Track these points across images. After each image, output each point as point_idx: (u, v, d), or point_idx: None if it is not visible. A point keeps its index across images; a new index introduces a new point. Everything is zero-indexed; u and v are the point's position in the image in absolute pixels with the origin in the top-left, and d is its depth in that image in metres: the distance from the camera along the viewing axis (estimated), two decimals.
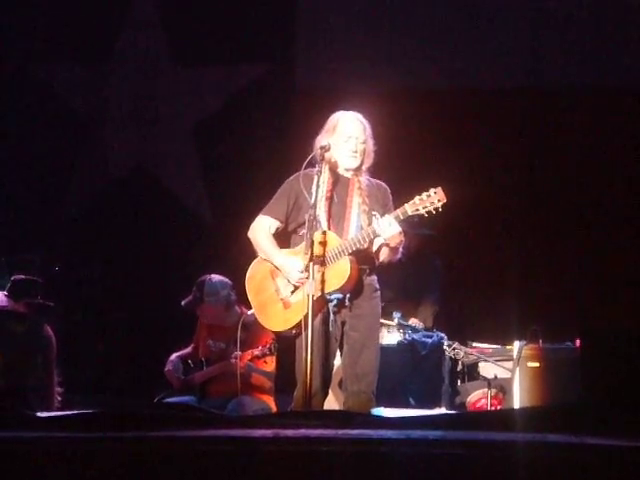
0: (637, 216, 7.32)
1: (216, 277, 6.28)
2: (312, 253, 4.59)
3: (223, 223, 7.59)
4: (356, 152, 4.88)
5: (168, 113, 8.26)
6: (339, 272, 4.73)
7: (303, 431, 3.33)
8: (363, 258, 4.82)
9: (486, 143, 7.45)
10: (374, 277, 4.93)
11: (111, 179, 8.25)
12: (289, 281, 4.85)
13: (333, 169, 4.91)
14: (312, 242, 4.61)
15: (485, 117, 7.59)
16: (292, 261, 4.82)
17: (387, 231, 4.71)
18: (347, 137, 4.88)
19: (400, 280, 6.60)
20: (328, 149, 4.81)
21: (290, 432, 3.29)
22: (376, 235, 4.75)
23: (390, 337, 6.22)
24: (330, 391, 5.09)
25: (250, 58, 8.05)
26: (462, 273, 7.40)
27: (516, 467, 2.96)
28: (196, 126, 8.21)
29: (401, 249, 4.91)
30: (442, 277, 6.88)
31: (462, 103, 7.62)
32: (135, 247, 7.98)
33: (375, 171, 5.03)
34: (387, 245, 4.81)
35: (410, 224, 6.52)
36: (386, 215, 4.75)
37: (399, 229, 4.74)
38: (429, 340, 6.15)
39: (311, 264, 4.59)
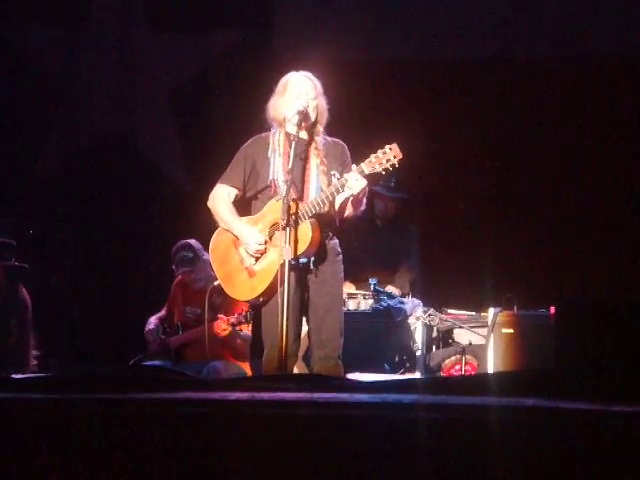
0: (613, 184, 7.37)
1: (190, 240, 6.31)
2: (289, 217, 4.60)
3: (200, 190, 7.55)
4: (308, 107, 4.86)
5: (145, 79, 8.19)
6: (301, 236, 4.70)
7: (279, 394, 3.34)
8: (324, 221, 4.81)
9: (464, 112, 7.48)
10: (336, 241, 4.92)
11: (86, 144, 8.19)
12: (247, 251, 4.85)
13: (289, 132, 4.87)
14: (289, 207, 4.61)
15: (465, 87, 7.60)
16: (251, 231, 4.82)
17: (357, 186, 4.68)
18: (297, 93, 4.87)
19: (376, 247, 6.62)
20: (306, 112, 4.80)
21: (266, 395, 3.30)
22: (339, 193, 4.73)
23: (366, 303, 6.24)
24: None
25: (228, 24, 7.99)
26: (438, 240, 7.43)
27: (490, 430, 2.99)
28: (173, 92, 8.15)
29: (365, 200, 4.89)
30: (418, 244, 6.90)
31: (438, 73, 7.63)
32: (111, 212, 7.95)
33: (348, 135, 5.03)
34: (351, 198, 4.77)
35: (386, 188, 6.56)
36: (352, 172, 4.71)
37: (365, 182, 4.70)
38: (404, 306, 6.17)
39: (287, 230, 4.59)
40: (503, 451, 2.96)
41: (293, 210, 4.69)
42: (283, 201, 4.60)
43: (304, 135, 4.90)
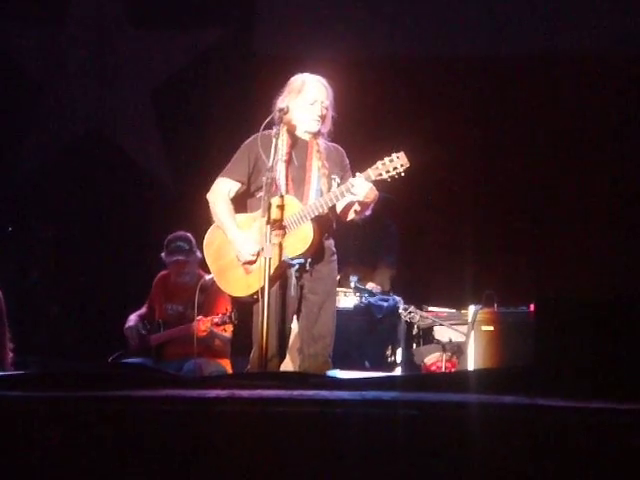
0: (593, 183, 7.40)
1: None
2: (269, 216, 4.59)
3: (183, 187, 7.56)
4: (320, 116, 4.88)
5: (126, 76, 8.16)
6: (302, 237, 4.74)
7: (258, 392, 3.34)
8: (323, 223, 4.84)
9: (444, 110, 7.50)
10: (331, 241, 4.95)
11: (68, 141, 8.15)
12: (238, 257, 4.84)
13: (292, 131, 4.89)
14: (269, 205, 4.61)
15: (445, 84, 7.61)
16: (245, 240, 4.81)
17: (363, 191, 4.72)
18: (313, 100, 4.88)
19: (357, 244, 6.62)
20: (287, 111, 4.80)
21: (245, 393, 3.29)
22: (344, 197, 4.76)
23: (347, 301, 6.25)
24: (289, 355, 5.11)
25: (209, 22, 7.98)
26: (418, 237, 7.44)
27: (469, 427, 3.00)
28: (155, 89, 8.13)
29: (372, 206, 4.92)
30: (398, 241, 6.91)
31: (421, 70, 7.63)
32: (92, 209, 7.92)
33: (335, 136, 5.03)
34: (360, 202, 4.81)
35: None
36: (357, 175, 4.75)
37: (371, 185, 4.75)
38: (385, 304, 6.19)
39: (268, 227, 4.59)
40: (482, 448, 2.96)
41: (296, 210, 4.72)
42: (263, 200, 4.61)
43: (306, 137, 4.91)
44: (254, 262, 4.81)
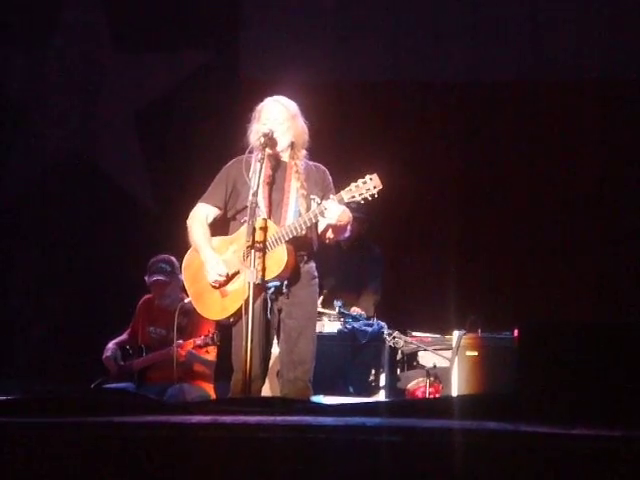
0: (575, 207, 7.44)
1: None
2: (254, 240, 4.59)
3: (166, 210, 7.55)
4: (274, 132, 4.84)
5: (109, 99, 8.17)
6: (276, 260, 4.72)
7: (242, 417, 3.33)
8: (300, 245, 4.82)
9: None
10: (312, 264, 4.93)
11: (50, 162, 8.13)
12: (207, 278, 4.84)
13: (273, 155, 4.89)
14: (254, 229, 4.61)
15: (425, 110, 7.66)
16: (216, 261, 4.81)
17: (335, 214, 4.72)
18: (265, 120, 4.87)
19: (341, 269, 6.63)
20: (271, 136, 4.80)
21: (228, 418, 3.28)
22: (318, 220, 4.76)
23: (331, 326, 6.24)
24: (267, 380, 5.09)
25: (194, 45, 8.00)
26: (402, 262, 7.45)
27: (453, 453, 2.99)
28: (139, 112, 8.13)
29: (349, 227, 4.92)
30: (383, 266, 6.91)
31: (401, 95, 7.68)
32: (75, 233, 7.90)
33: (315, 158, 5.04)
34: (333, 226, 4.81)
35: (348, 207, 6.56)
36: (330, 199, 4.75)
37: (343, 208, 4.75)
38: (369, 329, 6.18)
39: (253, 252, 4.59)
40: (466, 474, 2.96)
41: (271, 232, 4.71)
42: (248, 223, 4.61)
43: (286, 158, 4.91)
44: (224, 283, 4.78)
